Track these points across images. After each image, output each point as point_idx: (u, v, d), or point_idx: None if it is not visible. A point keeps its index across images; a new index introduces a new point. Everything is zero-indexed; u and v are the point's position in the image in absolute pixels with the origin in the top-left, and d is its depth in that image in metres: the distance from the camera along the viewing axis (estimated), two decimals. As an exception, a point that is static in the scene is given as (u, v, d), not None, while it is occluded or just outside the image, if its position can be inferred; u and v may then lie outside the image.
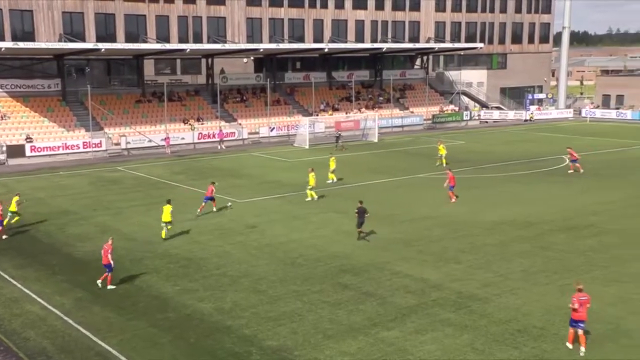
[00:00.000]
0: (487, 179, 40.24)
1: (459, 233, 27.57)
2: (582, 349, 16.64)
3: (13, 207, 28.96)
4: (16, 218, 29.06)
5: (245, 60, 70.98)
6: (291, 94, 70.13)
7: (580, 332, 16.74)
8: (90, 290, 21.47)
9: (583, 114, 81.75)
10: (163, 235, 27.16)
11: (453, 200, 33.42)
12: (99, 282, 21.78)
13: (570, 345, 16.89)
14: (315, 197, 34.28)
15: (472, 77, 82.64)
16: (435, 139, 55.13)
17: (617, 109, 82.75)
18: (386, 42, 76.65)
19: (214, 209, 31.75)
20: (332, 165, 39.75)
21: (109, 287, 21.54)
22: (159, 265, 23.75)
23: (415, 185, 38.55)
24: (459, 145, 55.23)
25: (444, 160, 44.51)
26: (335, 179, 39.47)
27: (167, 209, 27.29)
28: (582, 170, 41.56)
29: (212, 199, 31.73)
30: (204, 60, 65.60)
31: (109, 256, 21.29)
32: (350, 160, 49.36)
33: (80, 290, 21.47)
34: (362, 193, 35.99)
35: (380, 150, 54.17)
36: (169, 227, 27.26)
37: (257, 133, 61.18)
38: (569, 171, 41.69)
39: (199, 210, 31.32)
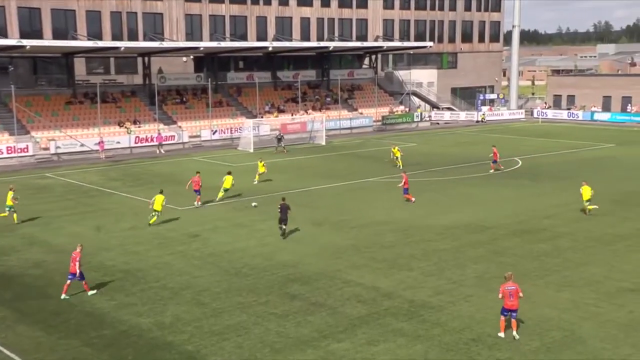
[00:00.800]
0: (440, 182, 40.80)
1: (411, 238, 27.85)
2: (514, 333, 17.95)
3: (9, 201, 31.19)
4: (3, 214, 31.18)
5: (184, 59, 70.25)
6: (234, 94, 69.78)
7: (512, 320, 18.03)
8: (15, 308, 20.76)
9: (535, 115, 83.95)
10: (151, 222, 30.43)
11: (413, 200, 34.54)
12: (63, 296, 21.39)
13: (502, 334, 18.00)
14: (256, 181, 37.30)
15: (422, 77, 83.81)
16: (386, 141, 55.76)
17: (569, 109, 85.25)
18: (333, 40, 77.12)
19: (197, 204, 34.21)
20: (261, 169, 40.68)
21: (90, 293, 21.67)
22: (93, 279, 23.16)
23: (366, 189, 38.80)
24: (410, 148, 55.86)
25: (400, 162, 45.56)
26: (257, 181, 40.52)
27: (160, 199, 30.64)
28: (502, 167, 44.59)
29: (199, 192, 34.37)
30: (140, 59, 64.67)
31: (77, 264, 21.35)
32: (297, 164, 49.34)
33: (3, 308, 20.74)
34: (310, 198, 36.16)
35: (329, 154, 54.34)
36: (157, 215, 30.53)
37: (199, 136, 60.67)
38: (490, 171, 43.87)
39: (197, 202, 34.38)
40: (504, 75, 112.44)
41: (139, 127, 58.91)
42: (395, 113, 75.85)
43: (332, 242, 27.39)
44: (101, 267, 24.66)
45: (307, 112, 68.81)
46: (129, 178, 43.68)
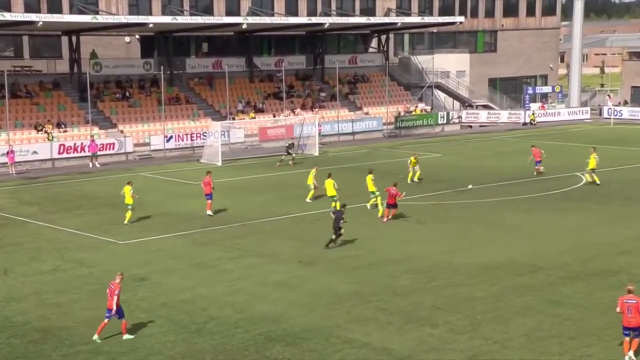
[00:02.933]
0: (474, 206, 40.82)
1: (435, 282, 27.85)
2: (630, 354, 20.63)
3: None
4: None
5: (127, 39, 70.58)
6: (196, 88, 70.00)
7: (634, 339, 20.84)
8: None
9: (605, 114, 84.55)
10: (127, 219, 36.62)
11: (385, 220, 36.95)
12: (95, 337, 22.68)
13: (630, 356, 20.65)
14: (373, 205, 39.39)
15: (450, 65, 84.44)
16: (400, 150, 55.77)
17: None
18: (329, 15, 77.68)
19: (208, 213, 38.71)
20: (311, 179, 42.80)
21: (126, 336, 23.05)
22: (-2, 340, 23.11)
23: (373, 215, 38.85)
24: (433, 160, 56.06)
25: (417, 174, 47.08)
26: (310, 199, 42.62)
27: (128, 190, 37.05)
28: (542, 170, 49.07)
29: (211, 196, 38.81)
30: (65, 39, 64.97)
31: (116, 299, 22.88)
32: (281, 181, 49.45)
33: None
34: (299, 227, 36.32)
35: (323, 168, 54.18)
36: (130, 210, 36.82)
37: (148, 144, 60.93)
38: (534, 173, 48.89)
39: (208, 211, 38.76)
40: (562, 60, 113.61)
41: (65, 131, 59.01)
42: (413, 113, 76.42)
43: (328, 287, 27.37)
44: (8, 324, 24.47)
45: (294, 112, 69.11)
46: (50, 202, 43.64)
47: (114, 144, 59.22)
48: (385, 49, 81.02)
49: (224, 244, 33.63)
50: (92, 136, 58.10)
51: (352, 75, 78.87)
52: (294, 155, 55.77)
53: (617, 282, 27.81)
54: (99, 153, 57.32)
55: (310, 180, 42.31)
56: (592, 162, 44.87)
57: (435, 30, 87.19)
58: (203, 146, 60.10)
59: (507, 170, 51.61)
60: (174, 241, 34.26)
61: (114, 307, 23.00)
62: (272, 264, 30.26)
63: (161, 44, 68.62)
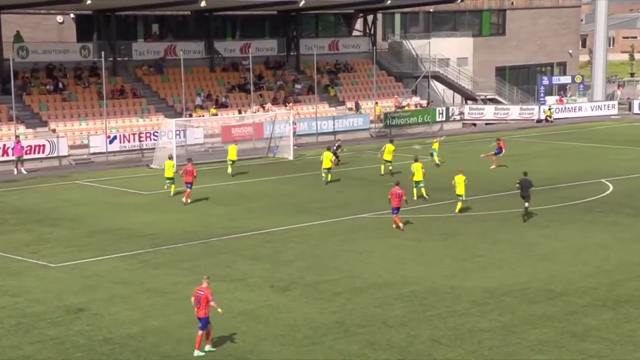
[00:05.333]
0: (480, 220, 41.00)
1: (433, 311, 27.83)
2: None
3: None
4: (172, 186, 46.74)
5: (60, 19, 70.17)
6: (145, 79, 69.73)
7: None
8: None
9: (636, 109, 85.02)
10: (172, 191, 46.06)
11: (402, 228, 38.55)
12: (197, 353, 24.24)
13: None
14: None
15: (450, 50, 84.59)
16: (395, 153, 55.74)
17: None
18: (305, -10, 77.79)
19: (184, 201, 44.73)
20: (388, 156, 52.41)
21: (208, 348, 24.80)
22: None
23: (358, 230, 39.01)
24: (430, 164, 55.93)
25: (436, 159, 55.19)
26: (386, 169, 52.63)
27: (170, 165, 47.22)
28: (493, 166, 54.14)
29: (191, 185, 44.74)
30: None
31: (209, 304, 24.39)
32: (249, 190, 49.48)
33: None
34: (270, 246, 36.34)
35: (299, 174, 54.61)
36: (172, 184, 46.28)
37: (86, 146, 60.62)
38: (492, 167, 54.40)
39: (184, 199, 44.55)
40: (584, 45, 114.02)
41: (-16, 130, 58.60)
42: (406, 108, 76.55)
43: (306, 318, 27.32)
44: None
45: (263, 107, 69.07)
46: (-36, 217, 43.33)
47: (44, 145, 58.80)
48: (372, 32, 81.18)
49: (181, 266, 33.42)
50: (16, 137, 57.61)
51: (332, 64, 78.93)
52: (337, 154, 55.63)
53: (651, 310, 27.99)
54: (25, 157, 56.83)
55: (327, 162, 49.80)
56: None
57: (432, 10, 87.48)
58: (154, 149, 59.75)
59: (519, 176, 51.55)
60: (119, 263, 33.95)
61: (207, 315, 24.34)
62: (239, 290, 30.16)
63: (102, 25, 68.29)
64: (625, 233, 38.25)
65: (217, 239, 37.57)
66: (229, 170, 53.43)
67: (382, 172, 52.66)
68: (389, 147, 52.71)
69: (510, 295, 29.45)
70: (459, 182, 41.84)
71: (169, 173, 46.88)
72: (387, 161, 52.39)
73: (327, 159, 50.28)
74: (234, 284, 30.96)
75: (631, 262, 33.55)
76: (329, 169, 50.43)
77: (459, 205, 41.90)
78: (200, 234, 38.66)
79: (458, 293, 29.65)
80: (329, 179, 50.48)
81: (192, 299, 24.68)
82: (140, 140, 62.13)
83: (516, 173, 50.30)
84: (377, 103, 74.08)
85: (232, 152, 53.85)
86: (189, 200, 44.73)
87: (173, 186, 46.51)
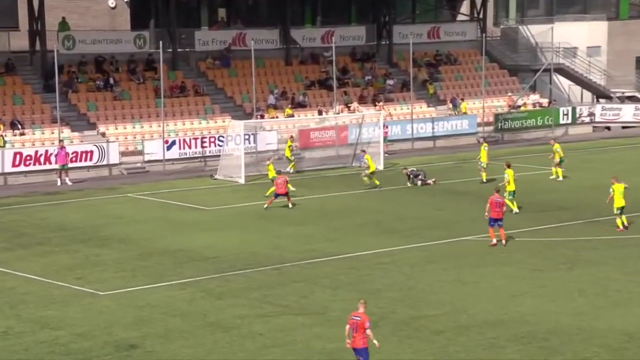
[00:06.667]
0: (616, 244, 40.46)
1: (557, 357, 27.32)
2: None
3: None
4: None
5: (112, 3, 70.67)
6: (209, 73, 69.96)
7: None
8: None
9: None
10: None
11: (493, 242, 39.52)
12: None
13: None
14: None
15: (578, 38, 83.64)
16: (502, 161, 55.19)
17: None
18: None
19: (290, 205, 48.05)
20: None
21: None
22: None
23: (463, 256, 38.78)
24: (551, 177, 55.26)
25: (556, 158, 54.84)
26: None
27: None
28: None
29: (287, 194, 47.80)
30: (22, 2, 65.11)
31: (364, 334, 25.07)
32: (332, 206, 49.48)
33: None
34: (355, 273, 36.29)
35: (390, 188, 54.34)
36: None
37: (140, 153, 61.05)
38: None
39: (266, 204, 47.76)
40: None
41: (22, 134, 59.19)
42: (522, 109, 75.92)
43: (401, 361, 27.15)
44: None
45: (348, 107, 68.85)
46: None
47: (92, 152, 59.08)
48: (480, 15, 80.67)
49: (249, 295, 33.34)
50: (61, 141, 58.09)
51: (432, 55, 78.59)
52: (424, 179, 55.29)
53: None
54: (70, 165, 57.16)
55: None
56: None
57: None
58: (219, 156, 59.87)
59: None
60: (177, 292, 34.02)
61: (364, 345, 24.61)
62: (318, 325, 29.90)
63: (160, 10, 68.88)
64: None
65: (292, 264, 37.47)
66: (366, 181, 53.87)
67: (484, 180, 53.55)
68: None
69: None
70: (618, 192, 41.96)
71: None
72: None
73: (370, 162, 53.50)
74: (311, 319, 30.77)
75: None
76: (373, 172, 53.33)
77: (621, 220, 42.13)
78: (271, 258, 38.61)
79: (588, 335, 28.97)
80: (369, 182, 53.06)
81: (347, 327, 24.83)
82: (203, 146, 62.20)
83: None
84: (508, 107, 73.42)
85: (370, 162, 54.28)
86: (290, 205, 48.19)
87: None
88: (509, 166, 45.74)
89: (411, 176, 54.77)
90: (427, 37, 78.50)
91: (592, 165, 61.23)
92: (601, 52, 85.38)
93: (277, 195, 47.37)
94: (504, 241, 39.54)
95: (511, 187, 45.08)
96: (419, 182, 54.26)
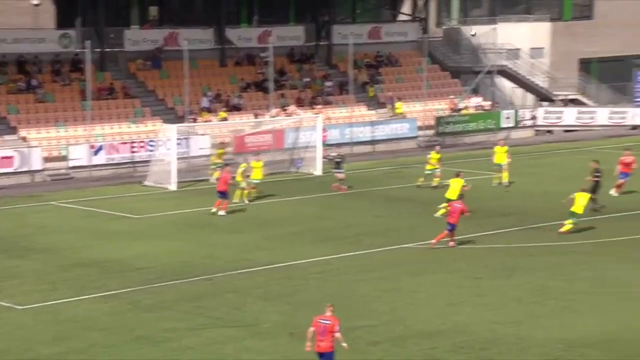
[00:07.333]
0: (555, 251, 40.90)
1: (497, 367, 27.74)
2: None
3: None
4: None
5: (35, 0, 70.30)
6: (139, 75, 69.92)
7: None
8: None
9: None
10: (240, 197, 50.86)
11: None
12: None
13: None
14: None
15: (521, 39, 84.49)
16: (449, 167, 55.77)
17: None
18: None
19: (217, 211, 47.81)
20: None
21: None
22: None
23: (401, 265, 39.04)
24: (491, 182, 55.99)
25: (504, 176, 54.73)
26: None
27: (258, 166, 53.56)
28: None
29: (224, 194, 47.91)
30: None
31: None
32: (267, 214, 49.56)
33: None
34: (290, 283, 36.42)
35: (328, 194, 54.64)
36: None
37: (65, 158, 60.81)
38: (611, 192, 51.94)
39: (217, 208, 47.77)
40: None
41: None
42: (464, 111, 76.52)
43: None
44: None
45: (285, 111, 69.01)
46: None
47: (12, 158, 58.76)
48: (421, 15, 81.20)
49: (180, 307, 33.23)
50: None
51: (373, 56, 79.00)
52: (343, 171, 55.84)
53: None
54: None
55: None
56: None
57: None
58: (149, 161, 59.73)
59: (609, 197, 51.27)
60: (101, 305, 33.70)
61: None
62: (250, 337, 29.98)
63: (87, 8, 68.63)
64: None
65: (224, 274, 37.48)
66: (244, 197, 52.31)
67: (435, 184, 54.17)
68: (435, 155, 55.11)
69: (593, 347, 29.13)
70: (580, 199, 42.93)
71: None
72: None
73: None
74: (243, 331, 30.74)
75: None
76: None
77: (569, 226, 42.95)
78: (203, 268, 38.50)
79: (526, 344, 29.33)
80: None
81: (311, 330, 25.08)
82: (132, 151, 62.00)
83: (606, 194, 50.21)
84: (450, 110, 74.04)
85: (258, 170, 53.57)
86: (224, 213, 48.35)
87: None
88: (457, 175, 46.52)
89: (334, 160, 55.96)
90: (367, 37, 78.98)
91: (535, 170, 61.89)
92: (544, 54, 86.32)
93: (220, 194, 47.92)
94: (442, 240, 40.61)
95: (450, 195, 45.68)
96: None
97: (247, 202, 51.11)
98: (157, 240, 43.36)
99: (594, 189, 48.05)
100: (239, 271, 38.07)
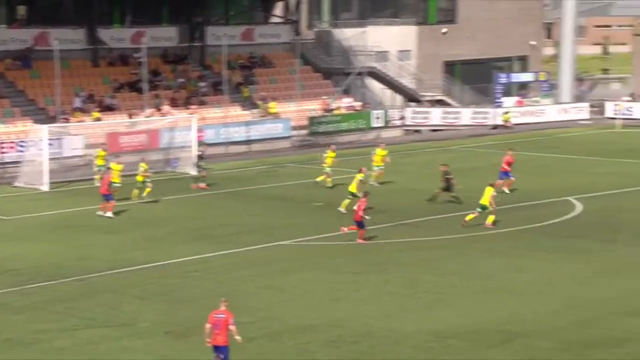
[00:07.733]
0: (425, 247, 41.46)
1: (365, 357, 28.03)
2: None
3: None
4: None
5: None
6: (8, 75, 69.11)
7: None
8: None
9: (609, 113, 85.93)
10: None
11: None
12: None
13: None
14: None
15: (389, 42, 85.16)
16: (321, 167, 56.05)
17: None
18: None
19: (104, 214, 47.21)
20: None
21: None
22: None
23: (278, 262, 39.24)
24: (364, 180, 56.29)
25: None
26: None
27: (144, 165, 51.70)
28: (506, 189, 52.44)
29: (107, 196, 46.98)
30: None
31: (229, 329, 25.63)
32: (142, 214, 49.41)
33: None
34: (165, 282, 36.25)
35: (204, 194, 54.77)
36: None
37: None
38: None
39: (103, 211, 47.12)
40: (549, 36, 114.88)
41: None
42: (336, 112, 76.94)
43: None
44: None
45: (159, 111, 68.90)
46: None
47: None
48: (294, 18, 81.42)
49: (52, 309, 32.82)
50: None
51: (246, 57, 79.09)
52: (203, 167, 56.21)
53: (625, 354, 28.41)
54: None
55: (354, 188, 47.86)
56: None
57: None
58: (19, 162, 58.97)
59: (473, 194, 52.04)
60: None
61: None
62: (126, 337, 29.82)
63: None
64: (597, 262, 38.84)
65: (98, 275, 37.12)
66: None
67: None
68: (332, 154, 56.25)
69: (460, 338, 29.60)
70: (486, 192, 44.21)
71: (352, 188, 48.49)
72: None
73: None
74: (118, 330, 30.48)
75: (603, 297, 33.91)
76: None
77: (472, 216, 44.39)
78: (76, 269, 38.00)
79: (397, 337, 29.69)
80: None
81: (207, 326, 25.43)
82: (2, 152, 61.21)
83: (470, 191, 50.98)
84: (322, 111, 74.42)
85: (116, 174, 51.36)
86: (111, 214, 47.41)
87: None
88: (360, 171, 48.22)
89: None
90: (241, 39, 79.12)
91: (406, 167, 62.64)
92: (411, 56, 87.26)
93: (104, 196, 47.60)
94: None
95: (352, 189, 47.38)
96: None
97: (137, 201, 51.00)
98: (28, 242, 42.55)
99: (448, 188, 49.96)
100: (115, 271, 37.68)
